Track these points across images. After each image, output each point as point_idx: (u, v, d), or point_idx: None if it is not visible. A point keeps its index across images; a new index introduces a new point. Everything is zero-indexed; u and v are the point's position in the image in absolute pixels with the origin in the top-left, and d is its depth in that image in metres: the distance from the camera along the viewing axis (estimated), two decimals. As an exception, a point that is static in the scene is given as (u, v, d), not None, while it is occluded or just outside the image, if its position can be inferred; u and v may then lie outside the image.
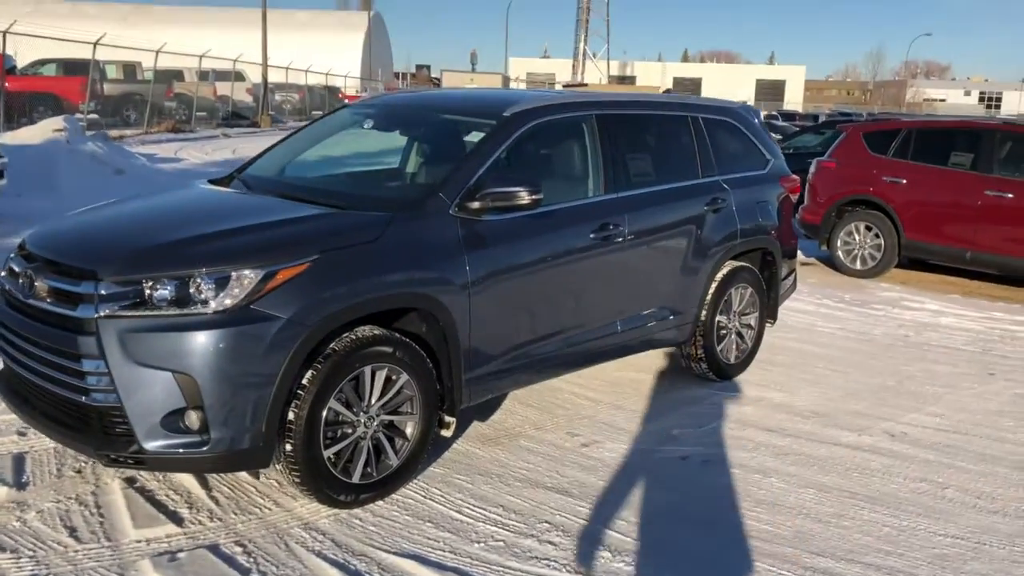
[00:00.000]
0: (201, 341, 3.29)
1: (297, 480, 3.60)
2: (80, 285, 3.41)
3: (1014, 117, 21.14)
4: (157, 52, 24.66)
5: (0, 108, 18.04)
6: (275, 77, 35.00)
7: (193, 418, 3.35)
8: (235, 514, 3.70)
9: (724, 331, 5.66)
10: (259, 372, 3.37)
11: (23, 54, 22.99)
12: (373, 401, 3.77)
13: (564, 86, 48.80)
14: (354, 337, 3.64)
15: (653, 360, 6.03)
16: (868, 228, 9.73)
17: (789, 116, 38.44)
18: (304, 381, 3.51)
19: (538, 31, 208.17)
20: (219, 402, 3.33)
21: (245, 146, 22.51)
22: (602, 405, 5.21)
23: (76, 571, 3.22)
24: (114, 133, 19.58)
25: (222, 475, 3.97)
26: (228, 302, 3.35)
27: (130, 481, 3.91)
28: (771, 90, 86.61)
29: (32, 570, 3.20)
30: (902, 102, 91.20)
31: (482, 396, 4.32)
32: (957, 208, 9.15)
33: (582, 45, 69.74)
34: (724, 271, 5.51)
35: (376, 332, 3.73)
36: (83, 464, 4.04)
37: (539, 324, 4.44)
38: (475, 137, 4.48)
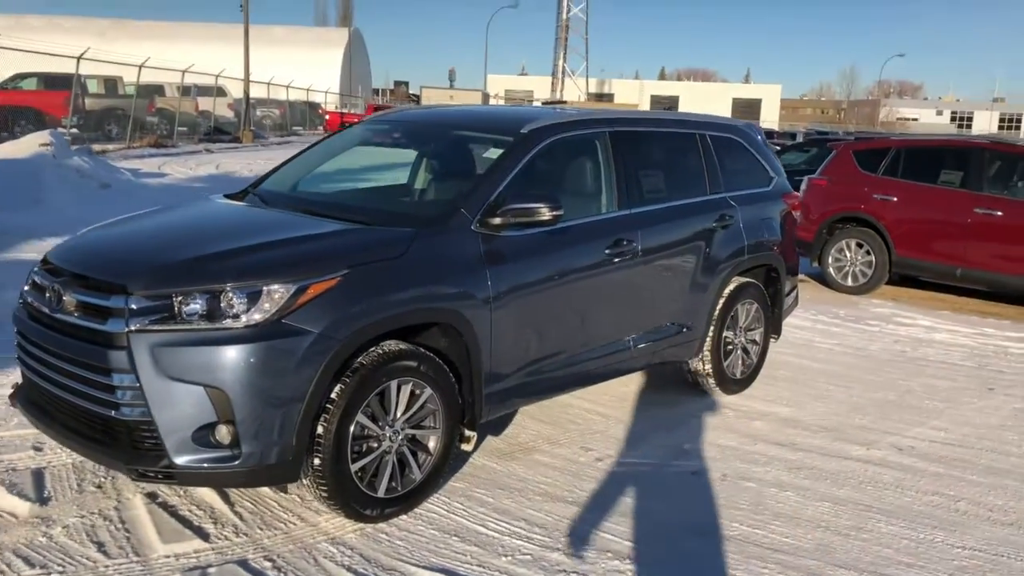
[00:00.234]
0: (233, 355, 3.30)
1: (324, 495, 3.60)
2: (110, 299, 3.40)
3: (1003, 136, 21.46)
4: (140, 67, 24.56)
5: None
6: (256, 92, 34.93)
7: (224, 432, 3.35)
8: (260, 529, 3.69)
9: (731, 346, 5.72)
10: (290, 386, 3.38)
11: None
12: (398, 415, 3.78)
13: (544, 103, 49.02)
14: (381, 351, 3.66)
15: (658, 375, 6.07)
16: (859, 245, 9.86)
17: (768, 135, 38.77)
18: (333, 395, 3.52)
19: (515, 49, 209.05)
20: (251, 416, 3.33)
21: (228, 161, 22.48)
22: (612, 420, 5.24)
23: (108, 586, 3.21)
24: (96, 148, 19.43)
25: (243, 490, 3.96)
26: (259, 316, 3.36)
27: (152, 496, 3.89)
28: (747, 108, 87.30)
29: (63, 586, 3.19)
30: (876, 121, 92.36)
31: (501, 410, 4.35)
32: (947, 226, 9.29)
33: (561, 63, 69.99)
34: (731, 287, 5.58)
35: (402, 347, 3.75)
36: (103, 479, 4.02)
37: (556, 339, 4.47)
38: (493, 154, 4.52)
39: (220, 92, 33.03)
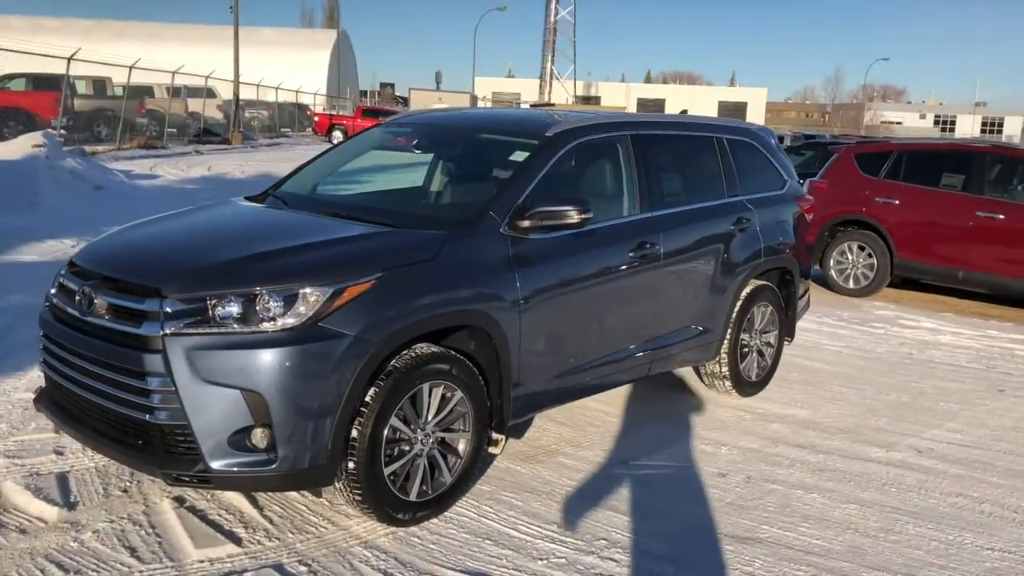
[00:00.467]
0: (270, 359, 3.27)
1: (358, 498, 3.57)
2: (144, 302, 3.37)
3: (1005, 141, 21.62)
4: (131, 68, 24.39)
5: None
6: (245, 94, 34.76)
7: (260, 436, 3.32)
8: (292, 533, 3.66)
9: (747, 349, 5.73)
10: (327, 390, 3.35)
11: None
12: (430, 418, 3.76)
13: (532, 106, 49.03)
14: (414, 354, 3.64)
15: (674, 378, 6.07)
16: (861, 248, 9.90)
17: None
18: (367, 399, 3.49)
19: (502, 51, 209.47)
20: (287, 420, 3.30)
21: (219, 163, 22.36)
22: (630, 423, 5.23)
23: (145, 592, 3.17)
24: (87, 149, 19.28)
25: (270, 494, 3.93)
26: (295, 320, 3.34)
27: (179, 500, 3.85)
28: (733, 111, 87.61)
29: (100, 592, 3.16)
30: (860, 124, 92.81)
31: (528, 413, 4.34)
32: (949, 229, 9.35)
33: (549, 65, 70.22)
34: (748, 289, 5.58)
35: (434, 350, 3.73)
36: (127, 483, 3.98)
37: (581, 341, 4.47)
38: (518, 157, 4.51)
39: (210, 93, 32.86)
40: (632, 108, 73.60)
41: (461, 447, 3.93)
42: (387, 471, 3.60)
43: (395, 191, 5.51)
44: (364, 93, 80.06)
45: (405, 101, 73.52)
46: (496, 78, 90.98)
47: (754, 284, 5.65)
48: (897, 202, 9.68)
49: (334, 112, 48.35)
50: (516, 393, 4.13)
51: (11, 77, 24.24)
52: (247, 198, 4.83)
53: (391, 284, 3.56)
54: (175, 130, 29.08)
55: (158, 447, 3.38)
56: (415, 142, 5.21)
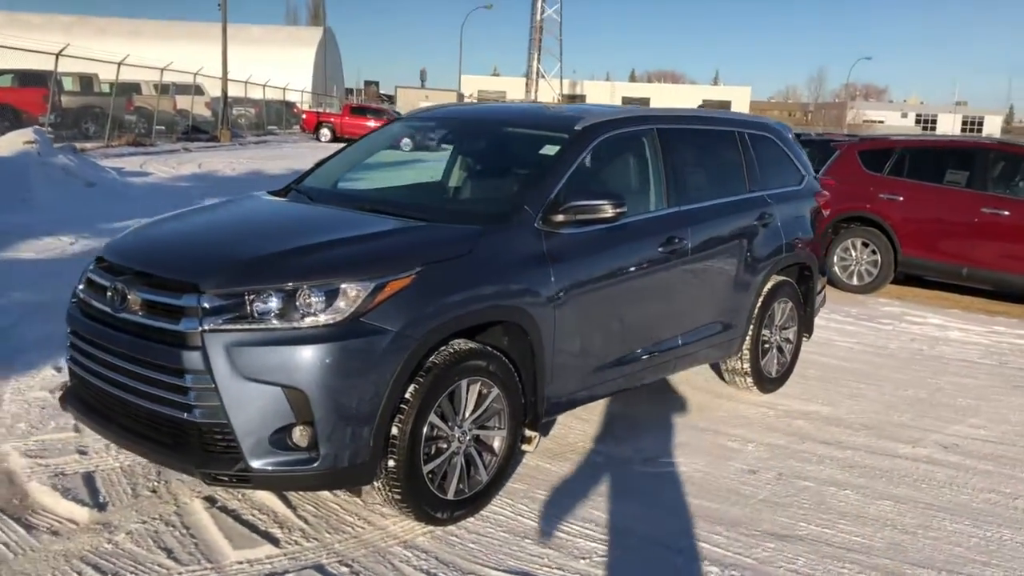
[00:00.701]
0: (313, 355, 3.20)
1: (397, 497, 3.51)
2: (181, 298, 3.29)
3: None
4: (119, 64, 24.16)
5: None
6: (233, 91, 34.49)
7: (300, 434, 3.25)
8: (328, 533, 3.60)
9: (767, 345, 5.70)
10: (369, 386, 3.29)
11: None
12: (467, 415, 3.71)
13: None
14: (452, 351, 3.58)
15: (695, 375, 6.03)
16: (864, 244, 9.90)
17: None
18: (407, 395, 3.43)
19: (487, 49, 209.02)
20: (330, 417, 3.23)
21: (209, 160, 22.20)
22: (655, 419, 5.19)
23: (187, 594, 3.10)
24: (77, 146, 19.06)
25: (303, 493, 3.86)
26: (337, 315, 3.27)
27: (211, 500, 3.78)
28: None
29: (141, 594, 3.08)
30: (843, 123, 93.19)
31: (561, 410, 4.29)
32: (953, 225, 9.35)
33: (535, 64, 70.16)
34: (769, 285, 5.55)
35: (471, 346, 3.67)
36: (155, 483, 3.91)
37: (614, 336, 4.42)
38: (549, 151, 4.45)
39: (198, 91, 32.61)
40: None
41: (496, 444, 3.87)
42: (426, 469, 3.54)
43: (423, 185, 5.44)
44: (350, 91, 79.77)
45: (390, 99, 73.31)
46: (482, 76, 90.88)
47: (775, 280, 5.62)
48: (901, 199, 9.69)
49: (322, 110, 48.08)
50: (549, 390, 4.07)
51: (-2, 73, 23.98)
52: (270, 192, 4.75)
53: (430, 279, 3.50)
54: (163, 127, 28.87)
55: (195, 445, 3.31)
56: (436, 136, 5.13)
